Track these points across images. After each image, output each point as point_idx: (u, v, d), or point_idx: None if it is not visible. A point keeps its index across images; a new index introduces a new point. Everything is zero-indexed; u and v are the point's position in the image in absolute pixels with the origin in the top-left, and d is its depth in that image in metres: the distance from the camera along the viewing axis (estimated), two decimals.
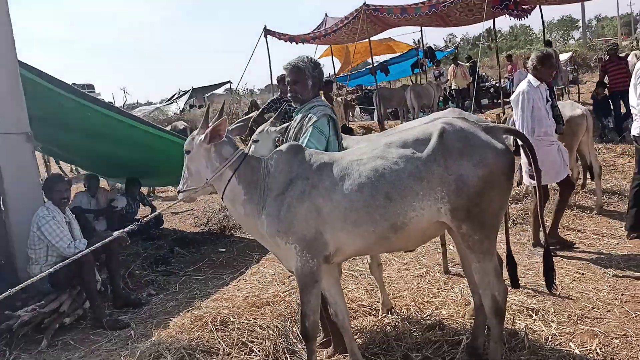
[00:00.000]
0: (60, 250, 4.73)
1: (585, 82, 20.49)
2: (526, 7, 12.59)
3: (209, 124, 3.22)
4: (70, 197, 5.07)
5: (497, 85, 17.16)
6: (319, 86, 3.66)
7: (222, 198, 3.27)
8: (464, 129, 2.99)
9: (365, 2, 13.29)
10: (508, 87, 16.94)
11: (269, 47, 14.99)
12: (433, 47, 19.89)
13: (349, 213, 2.94)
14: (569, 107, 6.51)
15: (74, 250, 4.65)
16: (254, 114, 4.87)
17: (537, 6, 13.28)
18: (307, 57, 3.64)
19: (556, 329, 3.70)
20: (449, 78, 16.63)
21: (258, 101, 16.17)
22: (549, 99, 5.19)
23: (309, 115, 3.46)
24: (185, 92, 27.88)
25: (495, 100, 18.19)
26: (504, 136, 3.15)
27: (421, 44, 17.99)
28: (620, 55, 11.36)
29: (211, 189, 3.32)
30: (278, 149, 3.22)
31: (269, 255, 6.23)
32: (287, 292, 4.82)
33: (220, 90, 31.55)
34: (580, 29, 67.53)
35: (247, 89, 22.03)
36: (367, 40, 15.15)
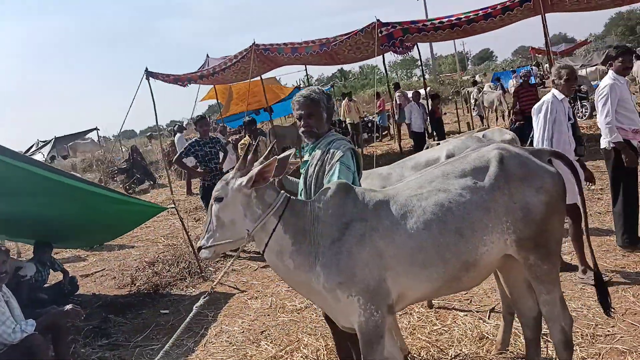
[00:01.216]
0: (3, 337, 3.83)
1: (445, 114, 22.13)
2: (408, 44, 13.30)
3: (247, 164, 2.82)
4: (8, 270, 4.17)
5: (374, 120, 17.98)
6: (331, 119, 3.40)
7: (262, 252, 2.83)
8: (519, 154, 2.92)
9: (254, 42, 13.20)
10: (379, 122, 17.91)
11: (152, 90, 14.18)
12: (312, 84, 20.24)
13: (416, 254, 2.69)
14: (498, 133, 6.87)
15: (21, 336, 3.80)
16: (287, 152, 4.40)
17: (416, 43, 14.13)
18: (319, 88, 3.37)
19: (581, 351, 3.71)
20: (340, 113, 17.04)
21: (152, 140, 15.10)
22: (571, 117, 5.08)
23: (331, 150, 3.15)
24: (47, 143, 25.32)
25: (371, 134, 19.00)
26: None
27: (307, 82, 18.30)
28: (530, 83, 12.44)
29: (241, 242, 2.87)
30: (324, 189, 2.86)
31: (226, 310, 5.70)
32: (281, 351, 4.38)
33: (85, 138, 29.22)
34: (421, 67, 74.57)
35: (119, 134, 20.45)
36: (250, 80, 15.02)
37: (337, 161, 3.08)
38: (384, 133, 19.69)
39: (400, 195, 2.80)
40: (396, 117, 16.13)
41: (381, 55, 12.96)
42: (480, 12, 11.67)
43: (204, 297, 2.94)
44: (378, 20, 12.37)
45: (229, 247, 2.89)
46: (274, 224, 2.74)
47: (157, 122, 14.82)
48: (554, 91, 5.07)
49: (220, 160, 7.90)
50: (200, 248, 2.86)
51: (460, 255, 2.73)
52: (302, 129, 3.26)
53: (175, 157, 8.01)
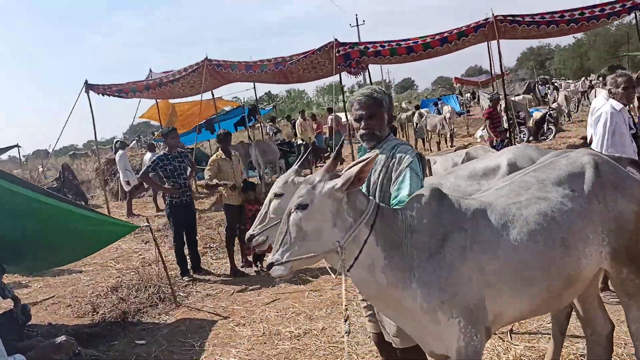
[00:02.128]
0: None
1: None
2: (362, 65, 13.27)
3: (333, 165, 2.44)
4: None
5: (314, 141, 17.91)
6: (391, 122, 3.10)
7: (348, 269, 2.43)
8: (610, 161, 2.74)
9: (207, 57, 12.69)
10: (317, 144, 17.84)
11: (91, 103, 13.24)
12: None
13: (520, 269, 2.41)
14: (482, 151, 6.82)
15: None
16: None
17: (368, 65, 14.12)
18: (379, 87, 3.06)
19: None
20: (296, 132, 16.69)
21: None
22: (632, 126, 4.78)
23: (397, 155, 2.83)
24: None
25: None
26: None
27: (256, 101, 17.88)
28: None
29: (324, 257, 2.45)
30: (415, 195, 2.53)
31: (214, 339, 5.18)
32: None
33: (4, 156, 26.93)
34: (347, 93, 76.21)
35: (45, 150, 19.04)
36: (193, 99, 14.52)
37: (406, 167, 2.77)
38: (325, 155, 19.50)
39: (497, 204, 2.52)
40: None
41: (338, 75, 12.81)
42: (436, 36, 11.83)
43: None
44: (336, 39, 12.25)
45: (310, 262, 2.48)
46: (366, 234, 2.36)
47: (95, 137, 13.82)
48: (612, 102, 4.72)
49: (187, 175, 7.35)
50: (271, 265, 2.42)
51: (565, 269, 2.49)
52: (361, 131, 2.93)
53: (142, 171, 7.35)
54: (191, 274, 7.24)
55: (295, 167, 3.65)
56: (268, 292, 6.41)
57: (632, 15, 11.79)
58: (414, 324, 2.48)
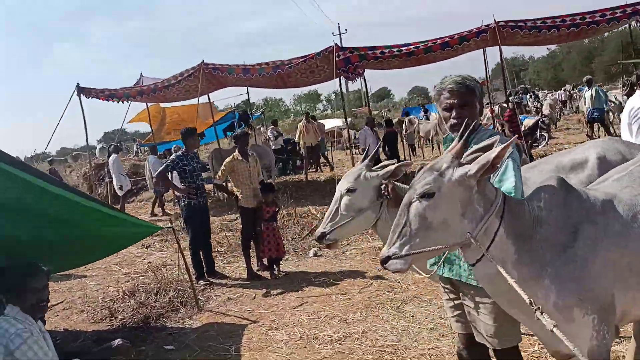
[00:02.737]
0: None
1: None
2: (360, 70, 13.20)
3: (461, 151, 2.24)
4: (49, 299, 3.23)
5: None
6: (482, 113, 2.96)
7: (473, 263, 2.27)
8: None
9: (203, 60, 12.47)
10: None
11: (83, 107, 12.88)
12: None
13: None
14: None
15: None
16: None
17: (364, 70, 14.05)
18: (470, 75, 2.92)
19: None
20: (297, 135, 16.45)
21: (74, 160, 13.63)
22: None
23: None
24: None
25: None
26: None
27: (248, 105, 17.64)
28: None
29: (449, 250, 2.31)
30: (541, 186, 2.38)
31: (248, 344, 4.96)
32: None
33: None
34: (324, 102, 76.60)
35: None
36: (183, 104, 14.26)
37: (507, 158, 2.63)
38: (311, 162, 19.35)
39: (623, 195, 2.39)
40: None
41: (337, 79, 12.69)
42: (437, 41, 11.82)
43: None
44: (336, 44, 12.18)
45: (432, 255, 2.31)
46: (496, 225, 2.20)
47: (87, 141, 13.44)
48: None
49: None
50: (388, 258, 2.24)
51: None
52: (452, 120, 2.76)
53: (159, 170, 7.04)
54: (207, 277, 6.98)
55: (366, 161, 3.46)
56: (293, 296, 6.20)
57: (611, 24, 11.97)
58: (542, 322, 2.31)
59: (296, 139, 16.18)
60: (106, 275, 7.99)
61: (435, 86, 2.95)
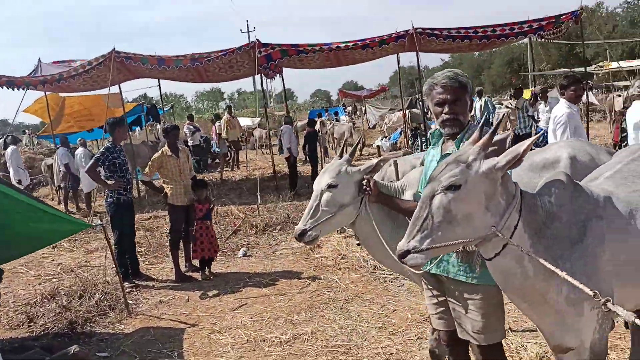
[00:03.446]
0: None
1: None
2: (279, 68, 13.09)
3: (489, 142, 2.19)
4: None
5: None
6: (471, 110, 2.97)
7: (490, 257, 2.24)
8: None
9: (114, 48, 11.73)
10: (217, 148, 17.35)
11: None
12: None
13: None
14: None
15: None
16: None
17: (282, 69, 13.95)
18: (460, 70, 2.92)
19: None
20: (222, 128, 15.78)
21: None
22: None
23: None
24: None
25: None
26: None
27: (160, 99, 16.77)
28: None
29: (469, 243, 2.21)
30: (550, 181, 2.39)
31: (191, 349, 4.69)
32: None
33: None
34: (227, 100, 75.56)
35: None
36: (90, 94, 13.36)
37: None
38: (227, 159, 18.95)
39: (619, 191, 2.47)
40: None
41: (259, 76, 12.45)
42: (359, 42, 12.01)
43: None
44: (258, 40, 11.97)
45: (453, 249, 2.25)
46: (516, 220, 2.18)
47: None
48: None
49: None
50: (406, 253, 2.16)
51: None
52: (444, 116, 2.74)
53: (89, 165, 6.44)
54: (132, 279, 6.52)
55: (347, 156, 3.36)
56: (230, 298, 5.96)
57: (518, 38, 12.82)
58: (552, 316, 2.34)
59: (223, 134, 15.57)
60: (12, 277, 7.21)
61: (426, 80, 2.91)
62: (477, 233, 2.15)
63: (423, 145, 17.02)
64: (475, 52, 14.46)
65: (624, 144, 5.08)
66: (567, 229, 2.27)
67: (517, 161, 2.11)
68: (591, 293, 1.80)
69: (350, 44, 12.02)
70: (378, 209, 3.24)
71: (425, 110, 30.63)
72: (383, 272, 6.26)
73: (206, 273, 6.75)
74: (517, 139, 5.46)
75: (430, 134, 3.02)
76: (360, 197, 3.23)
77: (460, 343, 2.97)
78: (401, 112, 24.21)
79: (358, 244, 7.18)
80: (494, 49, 48.38)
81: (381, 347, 4.44)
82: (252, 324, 5.16)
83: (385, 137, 19.29)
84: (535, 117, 13.04)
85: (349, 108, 43.45)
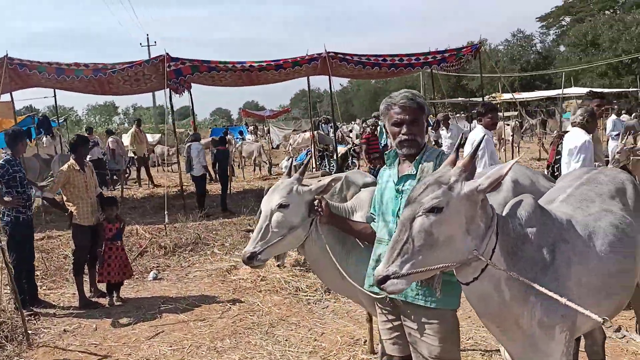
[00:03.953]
0: None
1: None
2: (188, 84, 12.71)
3: (470, 164, 2.17)
4: None
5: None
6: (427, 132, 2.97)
7: (468, 282, 2.19)
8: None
9: (7, 54, 10.78)
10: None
11: None
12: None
13: (605, 280, 2.45)
14: (360, 176, 6.97)
15: None
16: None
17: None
18: (418, 92, 2.92)
19: None
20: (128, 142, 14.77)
21: None
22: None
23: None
24: None
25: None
26: None
27: (56, 111, 15.49)
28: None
29: (450, 268, 2.16)
30: (517, 203, 2.38)
31: None
32: None
33: None
34: (120, 115, 72.23)
35: None
36: None
37: None
38: (127, 176, 17.98)
39: (576, 214, 2.55)
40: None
41: (162, 91, 12.00)
42: (272, 62, 11.97)
43: None
44: (167, 53, 11.54)
45: (432, 274, 2.16)
46: (494, 243, 2.16)
47: None
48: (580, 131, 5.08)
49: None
50: (385, 278, 2.06)
51: (632, 281, 2.63)
52: (402, 137, 2.71)
53: None
54: (29, 307, 5.87)
55: (297, 175, 3.21)
56: (144, 325, 5.53)
57: (424, 68, 13.50)
58: (523, 340, 2.32)
59: (129, 148, 14.66)
60: None
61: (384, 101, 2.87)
62: (458, 257, 2.10)
63: (330, 166, 17.25)
64: (384, 78, 15.01)
65: (557, 165, 5.42)
66: (538, 251, 2.28)
67: (498, 183, 2.10)
68: (600, 320, 1.79)
69: (264, 63, 11.97)
70: (328, 231, 3.13)
71: (328, 132, 31.09)
72: (306, 294, 6.14)
73: (114, 298, 6.24)
74: None
75: (386, 154, 2.97)
76: (311, 219, 3.11)
77: None
78: (305, 133, 24.55)
79: (278, 265, 7.01)
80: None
81: None
82: (172, 353, 4.81)
83: (292, 158, 19.34)
84: (439, 143, 13.68)
85: (251, 127, 43.39)
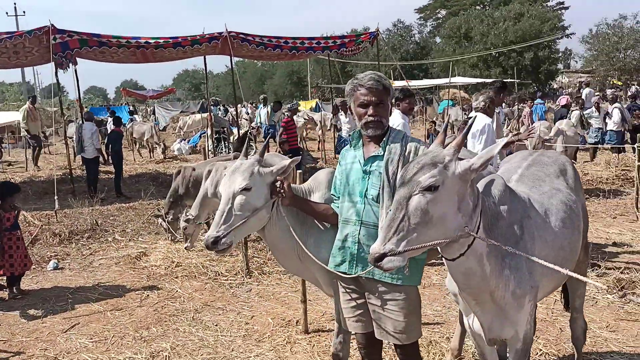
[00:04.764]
0: None
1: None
2: (74, 59, 11.79)
3: (462, 142, 2.24)
4: None
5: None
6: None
7: (454, 258, 2.27)
8: None
9: None
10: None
11: None
12: None
13: (559, 253, 2.68)
14: (278, 158, 6.95)
15: None
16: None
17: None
18: (383, 74, 2.96)
19: None
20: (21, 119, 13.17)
21: None
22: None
23: (413, 145, 2.76)
24: None
25: None
26: None
27: None
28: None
29: (440, 245, 2.20)
30: (490, 182, 2.50)
31: None
32: None
33: None
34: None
35: None
36: None
37: None
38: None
39: (534, 192, 2.75)
40: None
41: (52, 64, 10.95)
42: (170, 40, 11.45)
43: None
44: (52, 25, 10.59)
45: (423, 250, 2.20)
46: (479, 219, 2.25)
47: None
48: (485, 116, 5.44)
49: None
50: (382, 256, 2.09)
51: (576, 254, 2.87)
52: (369, 117, 2.74)
53: None
54: None
55: (257, 156, 3.10)
56: (56, 318, 5.12)
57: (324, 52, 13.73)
58: (495, 311, 2.47)
59: (22, 125, 13.22)
60: None
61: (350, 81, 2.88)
62: (450, 233, 2.16)
63: (226, 149, 16.95)
64: (284, 60, 14.98)
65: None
66: (510, 227, 2.43)
67: (488, 163, 2.20)
68: (604, 287, 1.94)
69: (161, 40, 11.37)
70: (288, 212, 3.10)
71: (217, 114, 30.50)
72: (226, 278, 6.04)
73: (14, 291, 5.70)
74: None
75: (351, 135, 2.98)
76: (273, 200, 3.06)
77: (376, 344, 3.00)
78: (195, 115, 23.85)
79: (186, 248, 6.75)
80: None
81: (254, 356, 4.26)
82: (94, 345, 4.51)
83: (184, 140, 18.75)
84: (338, 127, 13.96)
85: (130, 108, 41.27)
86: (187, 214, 6.65)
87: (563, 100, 15.22)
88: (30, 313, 5.25)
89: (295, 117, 13.85)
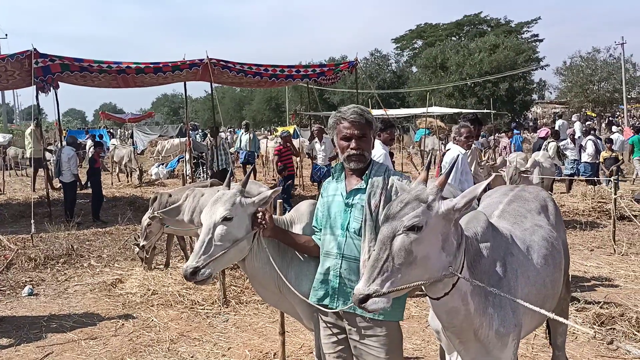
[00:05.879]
0: None
1: None
2: (56, 83, 11.77)
3: (445, 180, 2.29)
4: None
5: None
6: None
7: (439, 297, 2.28)
8: None
9: None
10: None
11: None
12: None
13: (541, 291, 2.70)
14: (256, 187, 7.00)
15: None
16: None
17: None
18: (366, 108, 3.04)
19: None
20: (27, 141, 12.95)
21: None
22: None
23: (396, 178, 2.81)
24: None
25: None
26: None
27: None
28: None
29: (423, 285, 2.21)
30: (472, 220, 2.54)
31: None
32: None
33: None
34: None
35: None
36: None
37: None
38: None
39: (515, 228, 2.78)
40: None
41: (34, 88, 10.91)
42: (151, 65, 11.51)
43: None
44: (35, 49, 10.59)
45: (408, 290, 2.24)
46: (463, 258, 2.27)
47: None
48: (459, 147, 5.56)
49: None
50: (367, 297, 2.07)
51: (558, 290, 2.91)
52: (351, 151, 2.79)
53: None
54: None
55: (239, 186, 3.13)
56: (30, 346, 5.03)
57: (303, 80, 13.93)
58: (479, 350, 2.48)
59: (27, 148, 13.02)
60: None
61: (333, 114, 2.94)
62: (434, 274, 2.15)
63: (204, 175, 16.88)
64: (264, 87, 15.11)
65: None
66: (493, 265, 2.46)
67: (472, 204, 2.23)
68: (592, 333, 1.94)
69: (142, 65, 11.43)
70: (268, 244, 3.12)
71: (195, 138, 30.52)
72: (203, 308, 6.00)
73: None
74: None
75: (333, 168, 3.04)
76: (254, 232, 3.08)
77: None
78: (173, 139, 23.81)
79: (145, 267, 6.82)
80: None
81: None
82: None
83: (162, 165, 18.66)
84: (312, 155, 14.03)
85: (110, 131, 41.02)
86: (138, 240, 7.08)
87: (543, 132, 15.52)
88: (3, 342, 5.14)
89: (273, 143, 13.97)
